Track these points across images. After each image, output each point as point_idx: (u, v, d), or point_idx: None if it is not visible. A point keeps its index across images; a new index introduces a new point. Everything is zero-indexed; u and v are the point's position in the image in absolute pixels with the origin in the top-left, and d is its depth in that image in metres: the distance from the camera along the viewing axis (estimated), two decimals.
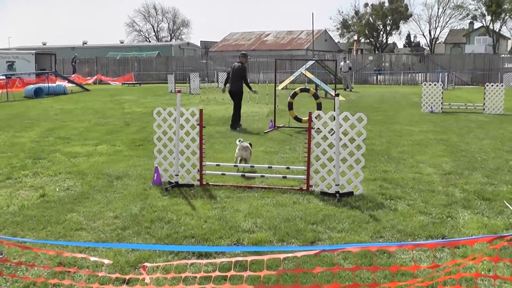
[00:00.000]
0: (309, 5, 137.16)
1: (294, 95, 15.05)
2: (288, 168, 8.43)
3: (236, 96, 15.06)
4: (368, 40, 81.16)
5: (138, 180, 8.53)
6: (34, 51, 43.06)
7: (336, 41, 77.55)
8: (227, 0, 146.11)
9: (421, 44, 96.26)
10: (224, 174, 8.39)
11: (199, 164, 8.19)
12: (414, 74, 42.95)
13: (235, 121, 14.97)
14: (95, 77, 44.76)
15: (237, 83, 15.03)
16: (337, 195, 7.45)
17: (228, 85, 15.33)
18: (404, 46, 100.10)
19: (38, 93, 28.42)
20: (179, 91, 8.21)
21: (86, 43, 66.65)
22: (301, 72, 33.72)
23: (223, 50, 66.22)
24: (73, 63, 47.95)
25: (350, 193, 7.60)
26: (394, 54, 50.91)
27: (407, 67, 43.53)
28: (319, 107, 14.73)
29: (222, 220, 6.41)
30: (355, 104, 22.36)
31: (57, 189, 8.11)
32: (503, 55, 46.90)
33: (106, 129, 14.95)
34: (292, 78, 35.21)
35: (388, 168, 9.53)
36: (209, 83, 37.09)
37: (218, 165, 8.58)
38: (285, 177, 8.14)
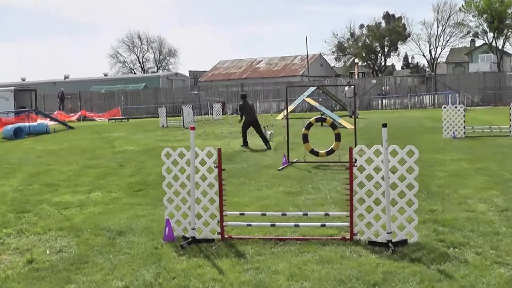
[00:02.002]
0: (302, 29, 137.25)
1: (309, 126, 14.19)
2: (327, 214, 7.43)
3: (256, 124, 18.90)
4: (365, 63, 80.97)
5: (145, 236, 7.54)
6: (13, 87, 42.27)
7: (331, 65, 77.31)
8: (215, 27, 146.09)
9: (420, 65, 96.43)
10: (250, 225, 7.40)
11: (220, 214, 7.21)
12: (421, 97, 42.32)
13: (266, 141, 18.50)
14: (79, 113, 43.96)
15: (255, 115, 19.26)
16: (390, 245, 6.48)
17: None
18: (402, 67, 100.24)
19: (17, 134, 27.45)
20: (193, 128, 7.27)
21: (68, 77, 65.81)
22: (304, 100, 33.17)
23: (213, 80, 65.75)
24: (60, 99, 47.20)
25: (404, 242, 6.64)
26: (398, 77, 50.45)
27: (413, 90, 42.89)
28: (337, 138, 13.85)
29: (260, 287, 5.41)
30: (367, 132, 21.49)
31: (48, 252, 7.12)
32: (509, 73, 46.56)
33: (98, 172, 14.01)
34: (293, 106, 34.56)
35: (433, 206, 8.61)
36: (203, 116, 36.28)
37: (242, 214, 7.59)
38: (323, 225, 7.16)
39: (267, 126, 19.89)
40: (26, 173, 14.33)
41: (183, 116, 29.90)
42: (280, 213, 7.76)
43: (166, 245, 7.02)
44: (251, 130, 18.81)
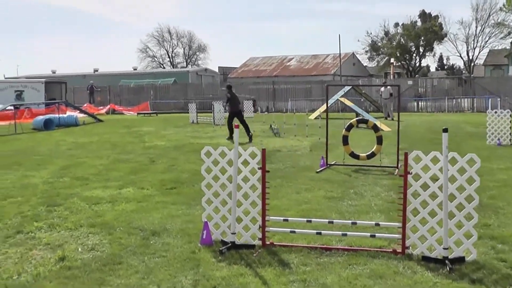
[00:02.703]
0: (335, 27, 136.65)
1: (350, 127, 13.76)
2: (377, 224, 7.00)
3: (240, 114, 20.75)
4: (399, 63, 79.70)
5: (181, 238, 7.23)
6: (43, 79, 42.53)
7: (364, 65, 76.32)
8: (246, 23, 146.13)
9: (456, 66, 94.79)
10: (293, 232, 7.02)
11: (262, 219, 6.86)
12: (459, 100, 41.38)
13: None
14: (108, 106, 44.02)
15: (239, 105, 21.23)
16: (446, 262, 6.05)
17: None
18: (437, 69, 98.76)
19: (48, 125, 27.59)
20: (237, 126, 6.93)
21: (97, 71, 66.15)
22: (338, 100, 32.70)
23: (243, 76, 65.38)
24: (90, 92, 47.38)
25: (461, 259, 6.19)
26: (435, 78, 49.47)
27: (450, 93, 41.92)
28: (379, 141, 13.41)
29: None
30: (405, 136, 20.92)
31: (80, 249, 6.88)
32: None
33: (129, 167, 13.80)
34: (325, 106, 34.12)
35: (488, 220, 8.10)
36: None
37: (286, 220, 7.22)
38: (373, 236, 6.75)
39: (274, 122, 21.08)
40: (56, 165, 14.25)
41: (213, 113, 29.65)
42: (327, 220, 7.34)
43: (203, 250, 6.69)
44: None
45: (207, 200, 7.10)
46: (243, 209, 6.99)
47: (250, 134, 19.94)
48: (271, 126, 22.20)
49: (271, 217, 7.09)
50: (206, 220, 6.99)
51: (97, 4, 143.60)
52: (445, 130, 6.22)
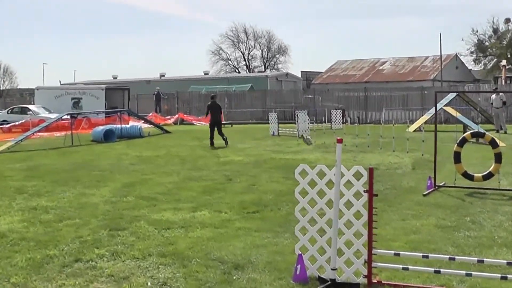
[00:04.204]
0: (434, 25, 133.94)
1: (463, 141, 13.14)
2: (510, 263, 6.45)
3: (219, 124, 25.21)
4: (510, 66, 76.92)
5: (270, 273, 6.95)
6: (104, 85, 43.69)
7: (468, 68, 74.16)
8: (333, 20, 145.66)
9: None
10: (406, 269, 6.59)
11: (367, 252, 6.47)
12: None
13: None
14: (176, 116, 44.68)
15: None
16: None
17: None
18: None
19: (108, 136, 28.19)
20: (340, 141, 6.56)
21: (164, 76, 67.59)
22: (442, 109, 31.83)
23: (329, 82, 65.02)
24: (156, 99, 48.28)
25: None
26: None
27: None
28: (497, 159, 12.72)
29: None
30: None
31: (149, 283, 6.74)
32: None
33: (202, 186, 13.74)
34: (427, 116, 33.26)
35: None
36: (319, 123, 35.67)
37: (397, 254, 6.79)
38: (504, 278, 6.21)
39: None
40: (119, 183, 14.39)
41: (297, 123, 29.43)
42: (447, 256, 6.87)
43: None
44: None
45: (301, 228, 6.85)
46: (345, 240, 6.67)
47: (225, 137, 24.58)
48: (302, 136, 25.57)
49: (378, 250, 6.69)
50: (300, 252, 6.69)
51: (163, 1, 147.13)
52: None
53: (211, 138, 24.53)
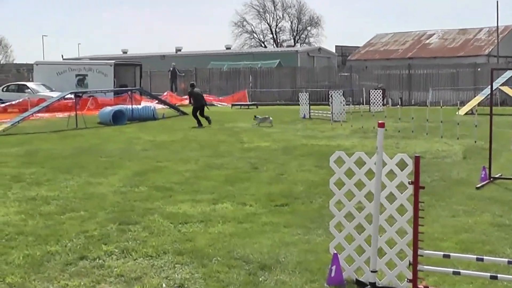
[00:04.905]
0: None
1: None
2: None
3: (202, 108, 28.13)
4: None
5: (300, 274, 7.01)
6: (112, 61, 43.83)
7: None
8: None
9: None
10: (458, 273, 6.56)
11: (413, 253, 6.45)
12: None
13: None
14: None
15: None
16: None
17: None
18: None
19: (118, 118, 28.41)
20: (382, 125, 6.52)
21: (180, 50, 67.85)
22: (498, 88, 31.68)
23: (368, 58, 65.07)
24: (171, 77, 48.46)
25: None
26: None
27: None
28: None
29: None
30: None
31: (164, 285, 6.84)
32: None
33: (224, 174, 13.90)
34: (481, 97, 33.05)
35: None
36: (356, 105, 35.63)
37: (447, 256, 6.76)
38: None
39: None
40: (129, 170, 14.57)
41: (332, 105, 29.41)
42: (506, 260, 6.83)
43: None
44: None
45: (337, 224, 6.91)
46: (386, 238, 6.71)
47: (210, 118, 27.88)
48: (255, 117, 27.77)
49: (424, 251, 6.67)
50: (335, 251, 6.72)
51: None
52: None
53: (198, 121, 27.28)
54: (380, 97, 35.92)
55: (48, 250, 8.07)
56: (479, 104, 31.48)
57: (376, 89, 37.54)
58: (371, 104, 34.86)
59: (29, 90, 39.43)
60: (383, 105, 36.20)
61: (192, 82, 32.05)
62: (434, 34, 68.87)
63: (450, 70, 44.87)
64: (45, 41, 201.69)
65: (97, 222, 9.53)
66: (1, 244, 8.42)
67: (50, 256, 7.82)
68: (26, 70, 59.38)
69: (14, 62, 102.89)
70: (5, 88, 41.99)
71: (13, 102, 36.53)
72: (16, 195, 11.75)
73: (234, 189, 12.19)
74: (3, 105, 37.31)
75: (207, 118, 27.65)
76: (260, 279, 6.94)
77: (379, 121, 6.66)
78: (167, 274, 7.17)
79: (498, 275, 6.54)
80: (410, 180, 6.51)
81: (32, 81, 44.95)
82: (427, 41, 67.65)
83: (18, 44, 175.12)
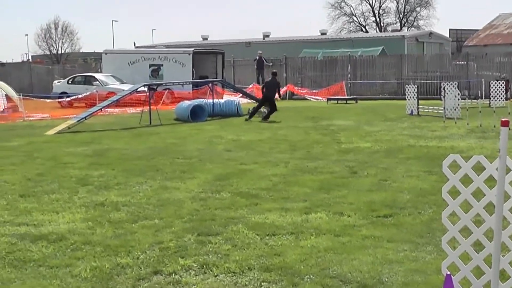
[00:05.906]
0: None
1: None
2: None
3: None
4: None
5: None
6: (191, 49, 44.25)
7: None
8: None
9: None
10: None
11: None
12: None
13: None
14: (285, 88, 44.98)
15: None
16: None
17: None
18: None
19: (197, 114, 28.69)
20: (506, 123, 6.39)
21: (268, 36, 68.16)
22: None
23: (488, 44, 64.04)
24: (258, 67, 48.70)
25: None
26: None
27: None
28: None
29: None
30: None
31: None
32: None
33: (318, 180, 13.87)
34: None
35: None
36: (474, 100, 35.04)
37: None
38: None
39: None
40: (210, 174, 14.68)
41: (444, 100, 29.03)
42: None
43: None
44: None
45: (451, 240, 6.77)
46: (510, 259, 6.58)
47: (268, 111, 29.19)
48: (248, 110, 29.49)
49: None
50: (448, 272, 6.63)
51: None
52: None
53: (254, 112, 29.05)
54: (503, 89, 35.23)
55: (118, 263, 8.23)
56: None
57: (498, 80, 36.88)
58: (492, 98, 34.26)
59: (97, 82, 40.38)
60: (506, 99, 35.46)
61: (275, 70, 32.67)
62: None
63: None
64: (115, 27, 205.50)
65: (173, 232, 9.65)
66: (66, 255, 8.63)
67: (121, 269, 7.98)
68: (94, 60, 60.74)
69: (81, 51, 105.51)
70: (70, 80, 43.03)
71: (80, 96, 37.38)
72: (82, 200, 12.02)
73: (330, 196, 12.14)
74: (68, 99, 38.14)
75: (262, 113, 29.07)
76: None
77: (502, 119, 6.54)
78: None
79: None
80: None
81: (101, 72, 45.95)
82: None
83: (85, 31, 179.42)
